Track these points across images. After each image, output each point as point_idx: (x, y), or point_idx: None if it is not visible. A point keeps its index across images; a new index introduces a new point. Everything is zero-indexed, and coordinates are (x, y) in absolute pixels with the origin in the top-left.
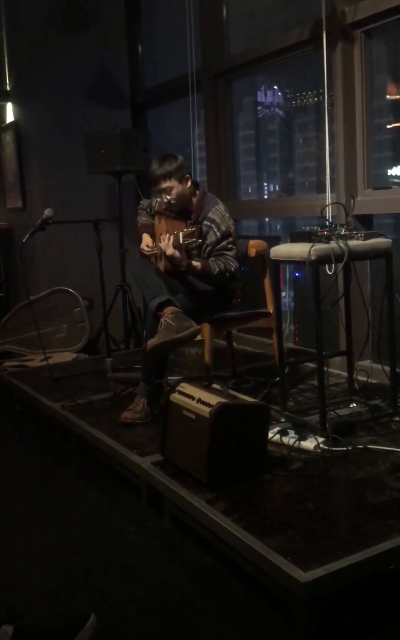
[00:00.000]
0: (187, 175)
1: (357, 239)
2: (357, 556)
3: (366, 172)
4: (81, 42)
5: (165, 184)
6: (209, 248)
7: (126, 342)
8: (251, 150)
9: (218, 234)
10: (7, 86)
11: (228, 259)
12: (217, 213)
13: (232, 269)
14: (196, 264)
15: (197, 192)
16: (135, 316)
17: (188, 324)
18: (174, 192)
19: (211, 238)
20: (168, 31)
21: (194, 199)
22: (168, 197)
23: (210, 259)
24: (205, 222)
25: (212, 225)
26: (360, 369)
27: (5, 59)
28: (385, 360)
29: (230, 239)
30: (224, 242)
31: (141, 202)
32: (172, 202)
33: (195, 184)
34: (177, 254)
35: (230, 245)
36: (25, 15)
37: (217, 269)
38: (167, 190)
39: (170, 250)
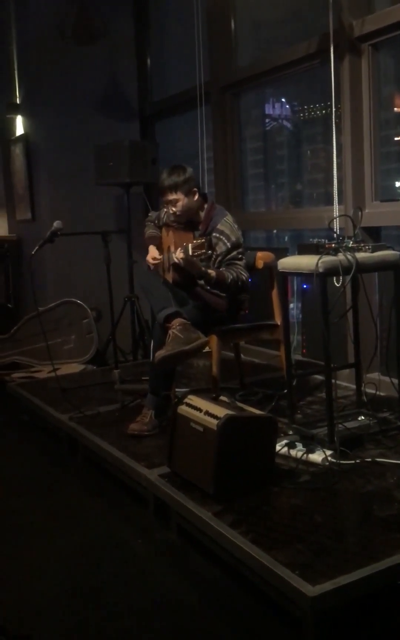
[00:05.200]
0: (195, 189)
1: (365, 251)
2: (365, 570)
3: (374, 184)
4: (90, 56)
5: (171, 196)
6: (219, 258)
7: (134, 353)
8: (259, 162)
9: (228, 244)
10: (17, 99)
11: (239, 268)
12: (226, 224)
13: (244, 277)
14: (211, 272)
15: (206, 204)
16: (143, 328)
17: (196, 335)
18: (180, 204)
19: (221, 248)
20: (177, 44)
21: (202, 211)
22: (173, 209)
23: (222, 269)
24: (214, 234)
25: (222, 236)
26: (369, 381)
27: (16, 72)
28: (393, 373)
29: (240, 249)
30: (234, 252)
31: (149, 215)
32: (178, 214)
33: (204, 196)
34: (191, 260)
35: (240, 256)
36: (35, 29)
37: (231, 277)
38: (173, 202)
39: (183, 262)
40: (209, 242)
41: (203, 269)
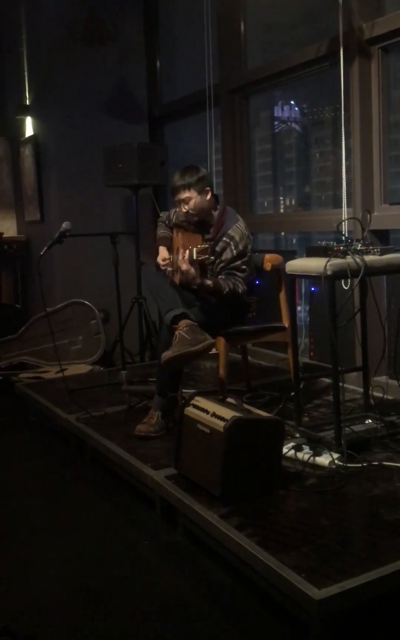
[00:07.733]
0: (208, 188)
1: (374, 254)
2: (372, 574)
3: (383, 187)
4: (100, 58)
5: (184, 194)
6: (222, 264)
7: (141, 354)
8: (268, 165)
9: (234, 252)
10: (27, 100)
11: (238, 279)
12: (238, 231)
13: (240, 290)
14: (208, 282)
15: (218, 207)
16: (150, 329)
17: (203, 337)
18: (192, 202)
19: (227, 255)
20: (186, 47)
21: (215, 214)
22: (186, 207)
23: (221, 277)
24: (224, 239)
25: (231, 242)
26: (376, 384)
27: (26, 73)
28: None
29: (245, 259)
30: (237, 262)
31: (161, 215)
32: (190, 212)
33: (217, 198)
34: (191, 270)
35: (243, 267)
36: (45, 30)
37: (227, 289)
38: (186, 201)
39: (185, 266)
40: (213, 246)
41: (198, 280)
